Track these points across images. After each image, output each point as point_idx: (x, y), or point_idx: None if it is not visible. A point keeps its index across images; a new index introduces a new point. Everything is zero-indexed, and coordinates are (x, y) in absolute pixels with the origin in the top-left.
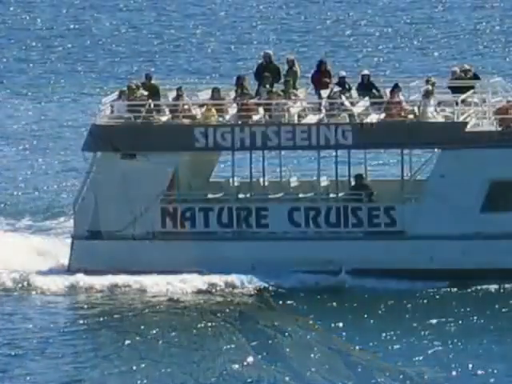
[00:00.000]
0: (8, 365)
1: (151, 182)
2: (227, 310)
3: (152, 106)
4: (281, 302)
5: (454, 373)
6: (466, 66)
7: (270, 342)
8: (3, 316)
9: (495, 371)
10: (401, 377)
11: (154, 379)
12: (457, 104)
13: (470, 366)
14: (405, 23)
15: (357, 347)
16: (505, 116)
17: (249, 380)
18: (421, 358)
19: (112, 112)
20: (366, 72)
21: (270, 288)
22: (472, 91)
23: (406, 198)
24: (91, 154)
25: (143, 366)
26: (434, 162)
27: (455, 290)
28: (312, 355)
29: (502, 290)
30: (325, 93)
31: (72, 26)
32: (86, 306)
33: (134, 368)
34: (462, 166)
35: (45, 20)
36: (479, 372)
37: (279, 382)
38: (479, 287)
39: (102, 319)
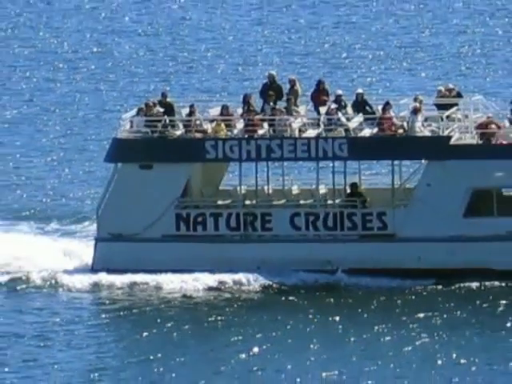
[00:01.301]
0: (38, 354)
1: (166, 189)
2: (235, 306)
3: (167, 121)
4: (283, 299)
5: (439, 362)
6: (450, 86)
7: (273, 333)
8: (33, 310)
9: (476, 360)
10: (391, 365)
11: (169, 367)
12: (442, 120)
13: (454, 355)
14: (395, 47)
15: (352, 338)
16: (485, 130)
17: (254, 368)
18: (409, 348)
19: (131, 127)
20: (360, 91)
21: (274, 285)
22: (455, 108)
23: (396, 204)
24: (112, 164)
25: (159, 355)
26: (422, 171)
27: (440, 287)
28: (311, 346)
29: (482, 288)
30: (323, 109)
31: (95, 50)
32: (107, 302)
33: (151, 357)
34: (446, 176)
35: (71, 44)
36: (462, 361)
37: (282, 369)
38: (462, 285)
39: (121, 313)
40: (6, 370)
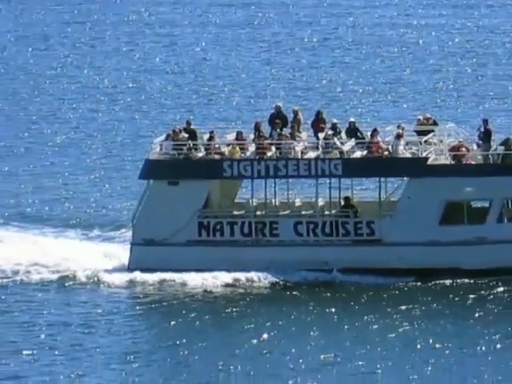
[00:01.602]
0: (83, 340)
1: (190, 202)
2: (247, 299)
3: (191, 145)
4: (288, 293)
5: (418, 346)
6: (428, 115)
7: (279, 322)
8: (79, 303)
9: (449, 345)
10: (378, 349)
11: (192, 351)
12: (421, 144)
13: (431, 340)
14: (381, 83)
15: (345, 326)
16: (457, 153)
17: (264, 351)
18: (393, 334)
19: (161, 150)
20: (352, 119)
21: (280, 282)
22: (432, 134)
23: (382, 214)
24: (145, 181)
25: (184, 340)
26: (403, 187)
27: (419, 284)
28: (311, 332)
29: (454, 284)
30: (321, 135)
31: (130, 85)
32: (140, 296)
33: (177, 342)
34: (424, 191)
35: (110, 80)
36: (437, 345)
37: (286, 352)
38: (437, 282)
39: (152, 306)
40: (56, 352)
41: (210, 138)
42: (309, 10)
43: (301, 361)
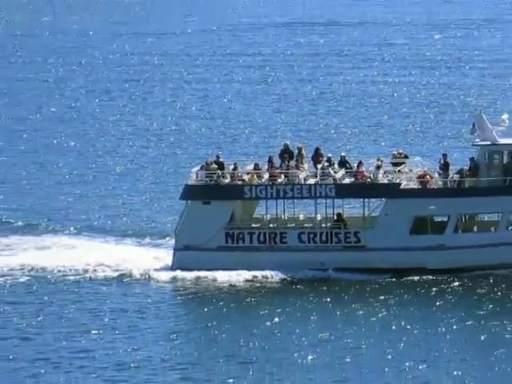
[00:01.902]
0: (137, 323)
1: (219, 217)
2: (262, 291)
3: (219, 174)
4: (293, 287)
5: (393, 327)
6: (400, 151)
7: (287, 309)
8: (134, 294)
9: (417, 326)
10: (362, 329)
11: (220, 330)
12: (395, 172)
13: (403, 323)
14: (365, 126)
15: (337, 312)
16: (422, 180)
17: (275, 331)
18: (374, 318)
19: (196, 177)
20: (342, 154)
21: (288, 279)
22: (404, 165)
23: (366, 226)
24: (185, 201)
25: (214, 323)
26: (382, 206)
27: (394, 279)
28: (311, 317)
29: (421, 280)
30: (319, 166)
31: (173, 127)
32: (181, 289)
33: (209, 324)
34: (398, 208)
35: (158, 124)
36: (408, 327)
37: (292, 332)
38: (408, 278)
39: (190, 296)
40: (117, 332)
41: (234, 168)
42: (309, 70)
43: (303, 338)
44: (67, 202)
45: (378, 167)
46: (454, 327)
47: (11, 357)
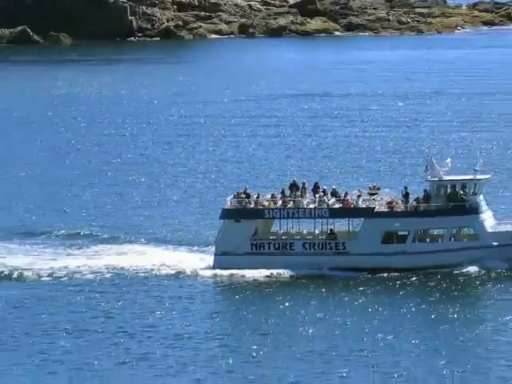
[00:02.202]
0: (189, 305)
1: (246, 232)
2: (277, 284)
3: (247, 201)
4: (298, 281)
5: (369, 309)
6: (375, 184)
7: (294, 296)
8: (186, 285)
9: (386, 308)
10: (347, 311)
11: (248, 311)
12: (371, 200)
13: (376, 306)
14: (350, 167)
15: (330, 299)
16: (390, 205)
17: (286, 312)
18: (356, 303)
19: (230, 203)
20: (334, 187)
21: (295, 275)
22: (377, 195)
23: (350, 238)
24: (222, 220)
25: (243, 306)
26: (361, 224)
27: (370, 275)
28: (311, 302)
29: (389, 276)
30: (317, 196)
31: (214, 168)
32: (219, 282)
33: (244, 313)
34: (373, 225)
35: (204, 165)
36: (380, 309)
37: (298, 313)
38: (380, 274)
39: (225, 287)
40: (174, 312)
41: (257, 197)
42: (310, 127)
43: (306, 317)
44: (139, 220)
45: (359, 196)
46: (412, 309)
47: (99, 330)
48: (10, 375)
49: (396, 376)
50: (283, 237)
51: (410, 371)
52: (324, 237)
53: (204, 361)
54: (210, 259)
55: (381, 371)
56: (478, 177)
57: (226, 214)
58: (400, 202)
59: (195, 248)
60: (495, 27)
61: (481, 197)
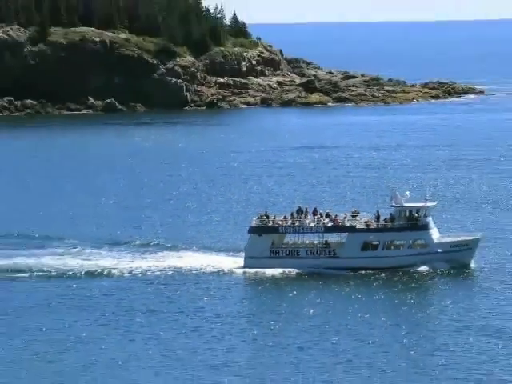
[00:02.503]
0: (222, 299)
1: (266, 242)
2: (288, 279)
3: (266, 220)
4: (303, 277)
5: (352, 297)
6: (356, 209)
7: (300, 288)
8: (224, 280)
9: (364, 297)
10: (337, 297)
11: (267, 298)
12: (353, 220)
13: (356, 294)
14: (339, 197)
15: (325, 290)
16: (367, 223)
17: (294, 298)
18: (342, 293)
19: (255, 222)
20: (327, 211)
21: (300, 273)
22: (357, 216)
23: (339, 246)
24: (249, 234)
25: (264, 294)
26: (347, 236)
27: (352, 273)
28: (311, 291)
29: (366, 273)
30: (316, 217)
31: (244, 198)
32: (248, 278)
33: (261, 295)
34: (355, 238)
35: (236, 197)
36: (359, 296)
37: (303, 298)
38: (361, 273)
39: (252, 281)
40: (216, 298)
41: (274, 218)
42: (310, 170)
43: (307, 302)
44: (191, 234)
45: (345, 217)
46: (382, 296)
47: (164, 311)
48: (103, 342)
49: (370, 342)
50: (292, 246)
51: (380, 339)
52: (321, 246)
53: (236, 332)
54: (241, 261)
55: (360, 339)
56: (428, 204)
57: (252, 230)
58: (373, 221)
59: (231, 253)
60: (439, 100)
61: (429, 218)
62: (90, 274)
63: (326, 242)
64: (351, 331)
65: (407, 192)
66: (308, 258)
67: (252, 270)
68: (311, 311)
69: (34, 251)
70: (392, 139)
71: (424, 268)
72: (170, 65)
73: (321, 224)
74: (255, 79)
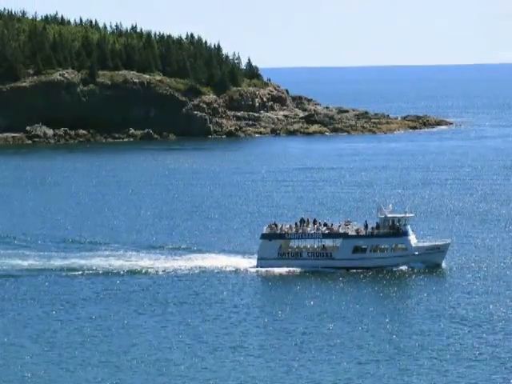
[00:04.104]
0: (241, 288)
1: (275, 246)
2: (293, 276)
3: (275, 228)
4: (305, 274)
5: (345, 290)
6: (348, 219)
7: (303, 283)
8: (240, 277)
9: (353, 292)
10: (333, 291)
11: (277, 292)
12: (346, 228)
13: (348, 288)
14: (334, 211)
15: (323, 285)
16: (358, 231)
17: (298, 292)
18: (337, 287)
19: (266, 231)
20: (325, 221)
21: (303, 271)
22: (349, 225)
23: (335, 249)
24: (261, 240)
25: (274, 289)
26: (341, 241)
27: (346, 272)
28: (312, 286)
29: (356, 272)
30: (315, 226)
31: (257, 213)
32: (261, 276)
33: (271, 290)
34: (347, 242)
35: (249, 210)
36: (350, 290)
37: (305, 292)
38: (352, 271)
39: (264, 278)
40: (233, 292)
41: (281, 226)
42: (310, 187)
43: (309, 294)
44: (214, 240)
45: (339, 226)
46: (369, 290)
47: (191, 302)
48: (141, 328)
49: (360, 328)
50: (296, 249)
51: (368, 325)
52: (319, 249)
53: (251, 319)
54: (254, 262)
55: (351, 325)
56: (407, 215)
57: (263, 236)
58: (363, 229)
59: (246, 255)
60: (416, 130)
61: (408, 226)
62: (131, 272)
63: (323, 246)
64: (344, 319)
65: (390, 205)
66: (309, 259)
67: (263, 269)
68: (312, 302)
69: (85, 254)
70: (378, 162)
71: (404, 267)
72: (196, 101)
73: (319, 231)
74: (266, 113)
